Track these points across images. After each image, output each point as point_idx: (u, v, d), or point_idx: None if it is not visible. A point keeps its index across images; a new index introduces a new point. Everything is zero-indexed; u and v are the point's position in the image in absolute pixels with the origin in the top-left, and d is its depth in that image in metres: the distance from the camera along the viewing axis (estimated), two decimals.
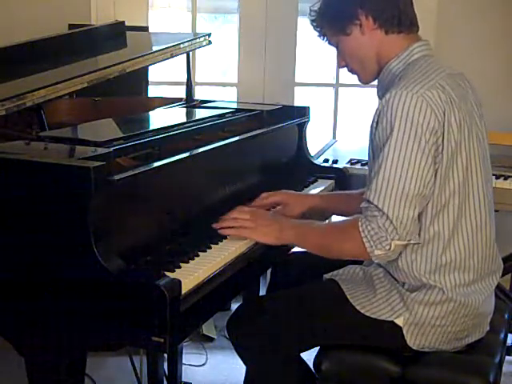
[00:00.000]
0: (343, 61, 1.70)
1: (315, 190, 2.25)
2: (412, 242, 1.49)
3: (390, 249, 1.46)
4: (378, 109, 1.52)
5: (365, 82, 1.70)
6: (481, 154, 1.57)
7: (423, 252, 1.54)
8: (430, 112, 1.45)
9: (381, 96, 1.62)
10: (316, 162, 2.51)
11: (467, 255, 1.55)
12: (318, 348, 1.64)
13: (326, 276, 1.71)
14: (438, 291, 1.53)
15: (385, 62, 1.62)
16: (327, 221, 2.32)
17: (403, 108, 1.45)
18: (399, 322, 1.55)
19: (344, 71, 1.76)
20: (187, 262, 1.46)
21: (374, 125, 1.52)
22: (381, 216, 1.46)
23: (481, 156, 1.57)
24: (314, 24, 1.69)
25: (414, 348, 1.57)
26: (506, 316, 1.78)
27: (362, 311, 1.57)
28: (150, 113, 2.28)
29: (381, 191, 1.46)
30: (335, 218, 2.15)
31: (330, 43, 1.70)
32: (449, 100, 1.49)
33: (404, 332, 1.55)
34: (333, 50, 1.72)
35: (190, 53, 2.43)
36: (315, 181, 2.33)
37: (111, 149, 1.48)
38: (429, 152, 1.45)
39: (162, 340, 1.26)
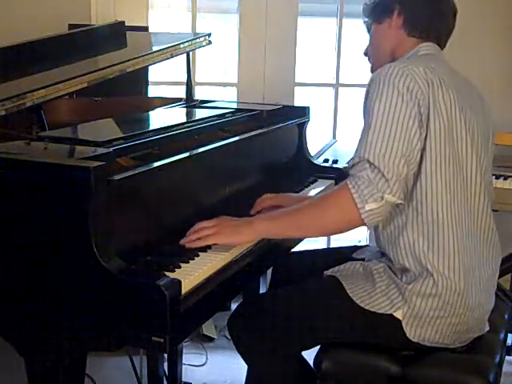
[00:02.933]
0: (367, 48, 1.79)
1: (315, 190, 2.25)
2: (399, 201, 1.49)
3: (382, 202, 1.46)
4: (368, 82, 1.58)
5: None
6: (481, 145, 1.59)
7: (429, 232, 1.54)
8: (413, 81, 1.50)
9: None
10: (316, 161, 2.51)
11: (466, 234, 1.56)
12: (318, 347, 1.65)
13: (327, 272, 1.71)
14: (434, 282, 1.53)
15: (396, 55, 1.69)
16: None
17: (389, 77, 1.51)
18: (398, 314, 1.55)
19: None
20: (187, 262, 1.46)
21: (364, 100, 1.57)
22: (372, 170, 1.47)
23: (481, 147, 1.59)
24: (365, 7, 1.78)
25: (415, 340, 1.56)
26: (506, 316, 1.78)
27: (362, 305, 1.57)
28: (150, 113, 2.28)
29: (371, 146, 1.48)
30: None
31: (367, 29, 1.79)
32: (437, 79, 1.54)
33: (403, 325, 1.55)
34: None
35: (190, 53, 2.43)
36: (315, 181, 2.33)
37: (111, 149, 1.48)
38: (414, 116, 1.49)
39: (162, 340, 1.26)
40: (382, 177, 1.46)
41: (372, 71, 1.77)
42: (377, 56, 1.76)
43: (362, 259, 1.73)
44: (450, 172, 1.54)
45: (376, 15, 1.73)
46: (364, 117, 1.58)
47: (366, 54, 1.80)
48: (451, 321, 1.56)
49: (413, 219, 1.55)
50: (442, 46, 1.71)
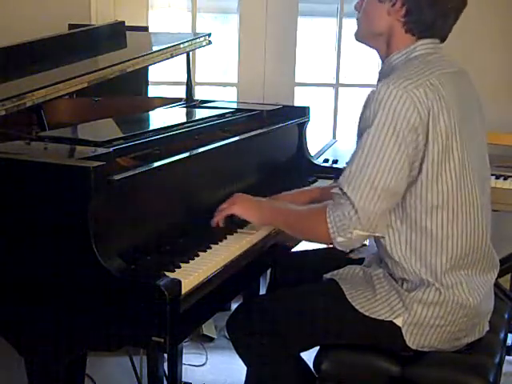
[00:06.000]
0: (361, 7, 1.65)
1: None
2: (376, 234, 1.50)
3: (351, 237, 1.47)
4: (365, 100, 1.52)
5: (359, 37, 1.68)
6: (477, 153, 1.57)
7: (422, 251, 1.54)
8: (412, 109, 1.45)
9: None
10: (316, 161, 2.51)
11: (463, 254, 1.55)
12: (317, 348, 1.64)
13: (326, 276, 1.71)
14: (435, 290, 1.53)
15: (390, 48, 1.61)
16: None
17: (386, 102, 1.45)
18: (398, 322, 1.55)
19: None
20: (187, 262, 1.46)
21: (360, 117, 1.53)
22: (347, 204, 1.47)
23: (477, 156, 1.57)
24: None
25: (414, 348, 1.57)
26: (506, 316, 1.78)
27: (362, 311, 1.57)
28: (150, 113, 2.28)
29: (351, 180, 1.48)
30: None
31: None
32: (437, 97, 1.48)
33: (403, 332, 1.55)
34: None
35: (190, 53, 2.43)
36: (315, 181, 2.33)
37: (111, 149, 1.48)
38: (405, 149, 1.45)
39: (162, 340, 1.26)
40: (355, 213, 1.46)
41: (357, 35, 1.68)
42: (369, 27, 1.63)
43: (360, 259, 1.72)
44: (447, 191, 1.51)
45: None
46: (357, 136, 1.55)
47: (357, 9, 1.67)
48: (451, 329, 1.56)
49: (406, 237, 1.55)
50: (442, 40, 1.62)
